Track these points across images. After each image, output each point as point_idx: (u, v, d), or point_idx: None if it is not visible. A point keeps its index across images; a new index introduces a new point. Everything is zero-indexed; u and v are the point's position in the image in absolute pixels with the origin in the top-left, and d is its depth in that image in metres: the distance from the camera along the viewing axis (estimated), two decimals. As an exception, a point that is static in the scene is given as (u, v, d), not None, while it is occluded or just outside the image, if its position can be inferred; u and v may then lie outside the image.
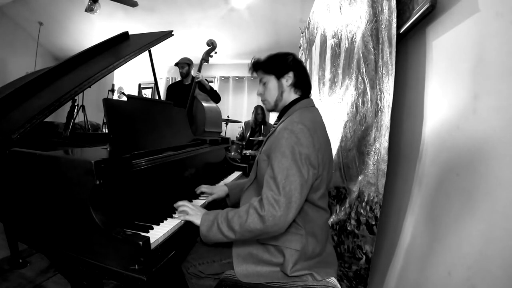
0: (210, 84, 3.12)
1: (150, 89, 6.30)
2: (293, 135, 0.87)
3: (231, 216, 0.88)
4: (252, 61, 1.08)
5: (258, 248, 0.96)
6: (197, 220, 0.95)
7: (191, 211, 0.98)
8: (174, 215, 1.01)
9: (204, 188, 1.25)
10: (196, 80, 2.70)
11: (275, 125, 1.06)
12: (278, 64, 1.04)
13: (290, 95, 1.05)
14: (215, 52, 2.72)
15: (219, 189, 1.27)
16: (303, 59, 3.54)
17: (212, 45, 2.67)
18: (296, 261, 0.91)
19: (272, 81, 1.05)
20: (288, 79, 1.03)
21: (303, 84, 1.05)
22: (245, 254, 0.96)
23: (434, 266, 0.84)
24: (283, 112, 1.06)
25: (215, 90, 3.05)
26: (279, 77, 1.04)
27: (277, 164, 0.86)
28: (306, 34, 3.29)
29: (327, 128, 1.04)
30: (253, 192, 1.05)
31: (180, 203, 1.02)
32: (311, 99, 1.08)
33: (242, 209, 0.88)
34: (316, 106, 1.07)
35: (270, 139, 0.99)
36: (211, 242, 0.92)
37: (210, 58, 2.72)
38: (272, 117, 5.30)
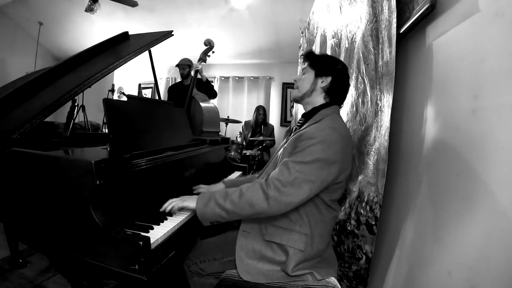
0: (209, 82, 3.12)
1: (150, 89, 6.29)
2: (330, 138, 0.88)
3: (231, 191, 0.89)
4: (308, 51, 1.12)
5: (262, 244, 0.96)
6: (191, 204, 0.94)
7: (180, 200, 0.98)
8: (174, 215, 1.01)
9: (202, 188, 1.25)
10: (195, 68, 2.71)
11: (300, 122, 1.07)
12: (324, 64, 1.06)
13: (319, 98, 1.06)
14: (213, 52, 2.73)
15: (217, 187, 1.28)
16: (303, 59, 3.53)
17: (209, 44, 2.68)
18: (299, 261, 0.92)
19: (310, 74, 1.07)
20: (324, 81, 1.05)
21: (336, 94, 1.06)
22: (248, 249, 0.96)
23: (434, 266, 0.84)
24: (312, 112, 1.06)
25: (212, 85, 3.06)
26: (317, 75, 1.06)
27: (300, 158, 0.86)
28: (306, 34, 3.29)
29: None
30: None
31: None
32: (338, 107, 1.08)
33: (244, 185, 0.89)
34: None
35: (300, 134, 0.96)
36: (206, 219, 0.91)
37: (207, 58, 2.73)
38: (273, 118, 5.31)
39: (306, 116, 1.08)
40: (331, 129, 0.90)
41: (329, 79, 1.04)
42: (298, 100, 1.11)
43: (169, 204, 0.98)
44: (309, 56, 1.10)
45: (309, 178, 0.84)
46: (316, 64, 1.07)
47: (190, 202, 0.95)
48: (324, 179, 0.87)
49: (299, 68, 3.73)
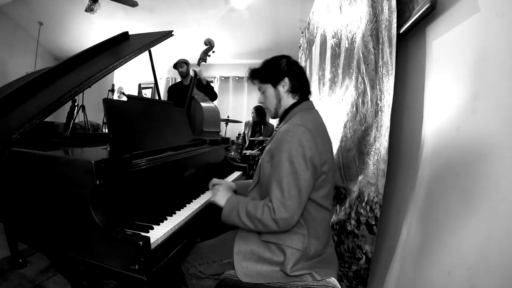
0: (210, 84, 3.13)
1: (150, 89, 6.30)
2: (296, 138, 0.89)
3: (250, 208, 0.92)
4: (249, 70, 1.10)
5: (260, 245, 0.96)
6: (221, 202, 1.00)
7: (218, 193, 1.05)
8: (174, 215, 1.01)
9: (215, 181, 1.26)
10: (193, 69, 2.71)
11: (277, 128, 1.07)
12: (272, 72, 1.05)
13: (288, 100, 1.06)
14: (213, 52, 2.73)
15: (229, 184, 1.27)
16: (303, 59, 3.54)
17: (209, 44, 2.68)
18: (297, 261, 0.92)
19: (269, 89, 1.07)
20: (284, 85, 1.04)
21: (300, 88, 1.06)
22: (246, 251, 0.97)
23: (434, 266, 0.84)
24: (284, 115, 1.07)
25: (212, 87, 3.06)
26: (275, 85, 1.05)
27: (281, 167, 0.89)
28: (306, 34, 3.29)
29: (327, 128, 1.04)
30: (257, 195, 1.06)
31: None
32: (311, 101, 1.09)
33: (259, 204, 0.91)
34: (316, 108, 1.08)
35: (273, 141, 1.00)
36: (227, 223, 0.98)
37: (208, 57, 2.73)
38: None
39: (280, 119, 1.09)
40: (296, 126, 0.91)
41: (286, 79, 1.03)
42: (275, 117, 1.11)
43: (215, 189, 1.09)
44: (254, 75, 1.08)
45: (300, 183, 0.87)
46: (265, 76, 1.06)
47: (220, 199, 1.02)
48: (311, 177, 0.90)
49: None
